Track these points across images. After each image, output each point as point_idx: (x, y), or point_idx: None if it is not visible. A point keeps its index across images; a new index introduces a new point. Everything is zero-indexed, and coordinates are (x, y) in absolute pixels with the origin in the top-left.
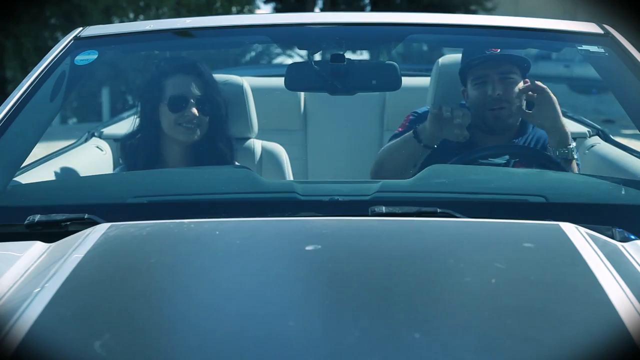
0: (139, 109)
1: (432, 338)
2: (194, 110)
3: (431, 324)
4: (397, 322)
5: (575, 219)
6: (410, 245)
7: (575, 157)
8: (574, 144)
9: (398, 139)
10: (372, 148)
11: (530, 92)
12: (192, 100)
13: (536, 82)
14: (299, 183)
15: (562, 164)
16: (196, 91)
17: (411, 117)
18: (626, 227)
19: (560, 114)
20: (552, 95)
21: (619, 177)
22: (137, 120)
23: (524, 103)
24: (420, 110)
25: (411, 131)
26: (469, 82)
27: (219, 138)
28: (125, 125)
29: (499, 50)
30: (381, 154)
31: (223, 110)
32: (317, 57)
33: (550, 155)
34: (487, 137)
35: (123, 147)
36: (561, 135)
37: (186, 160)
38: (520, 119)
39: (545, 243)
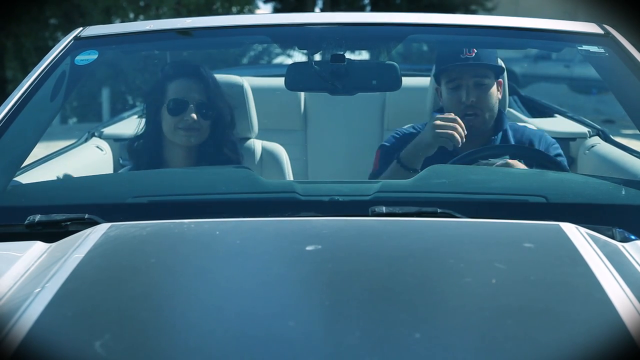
0: (144, 111)
1: (432, 338)
2: (193, 115)
3: (431, 324)
4: (397, 322)
5: (575, 219)
6: (411, 245)
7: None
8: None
9: (386, 173)
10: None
11: None
12: (192, 105)
13: None
14: (299, 183)
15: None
16: (196, 95)
17: (380, 151)
18: (626, 227)
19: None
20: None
21: (619, 177)
22: (142, 122)
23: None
24: (389, 142)
25: (395, 161)
26: (442, 83)
27: (222, 142)
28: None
29: (474, 51)
30: None
31: (227, 115)
32: (317, 57)
33: (550, 155)
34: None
35: (129, 149)
36: None
37: (188, 164)
38: (494, 120)
39: (545, 243)
